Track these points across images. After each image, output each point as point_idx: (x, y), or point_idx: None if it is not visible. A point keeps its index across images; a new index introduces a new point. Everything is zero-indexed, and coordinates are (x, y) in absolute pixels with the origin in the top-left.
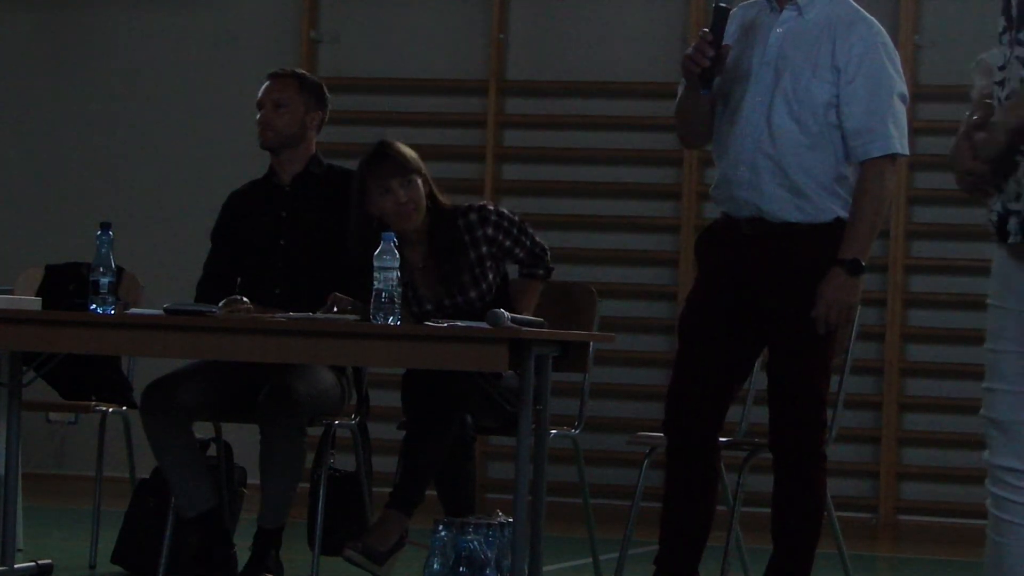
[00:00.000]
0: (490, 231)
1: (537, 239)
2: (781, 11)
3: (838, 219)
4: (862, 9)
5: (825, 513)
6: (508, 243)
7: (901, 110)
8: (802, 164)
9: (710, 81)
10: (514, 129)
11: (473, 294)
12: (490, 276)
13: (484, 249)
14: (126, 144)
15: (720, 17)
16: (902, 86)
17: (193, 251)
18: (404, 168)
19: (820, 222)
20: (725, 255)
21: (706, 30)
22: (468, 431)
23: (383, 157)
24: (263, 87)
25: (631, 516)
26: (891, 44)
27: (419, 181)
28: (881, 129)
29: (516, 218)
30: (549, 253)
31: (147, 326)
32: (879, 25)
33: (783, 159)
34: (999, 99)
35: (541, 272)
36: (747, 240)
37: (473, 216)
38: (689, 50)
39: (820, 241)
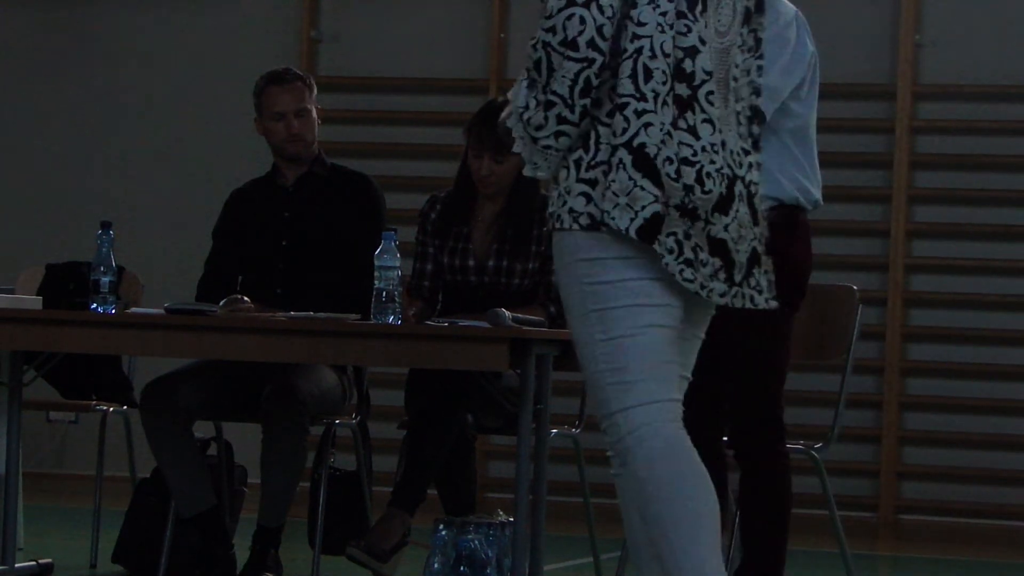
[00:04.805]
0: None
1: None
2: None
3: (798, 205)
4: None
5: (827, 512)
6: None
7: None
8: None
9: None
10: None
11: (519, 266)
12: (536, 263)
13: (546, 231)
14: (126, 144)
15: None
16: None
17: (193, 250)
18: (501, 148)
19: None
20: None
21: None
22: (469, 430)
23: (492, 127)
24: (272, 94)
25: None
26: (795, 26)
27: (515, 160)
28: None
29: None
30: None
31: (148, 325)
32: (790, 9)
33: None
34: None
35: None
36: None
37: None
38: None
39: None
